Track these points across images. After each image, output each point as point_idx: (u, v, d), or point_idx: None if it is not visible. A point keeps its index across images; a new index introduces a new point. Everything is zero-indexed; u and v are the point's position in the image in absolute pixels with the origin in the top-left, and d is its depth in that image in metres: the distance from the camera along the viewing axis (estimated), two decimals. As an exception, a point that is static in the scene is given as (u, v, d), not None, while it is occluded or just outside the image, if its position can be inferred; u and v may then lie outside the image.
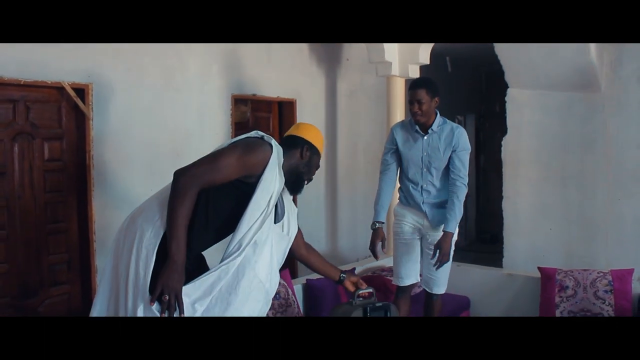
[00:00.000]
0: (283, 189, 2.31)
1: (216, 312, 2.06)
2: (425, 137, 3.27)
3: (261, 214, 2.11)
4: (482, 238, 8.82)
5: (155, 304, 1.95)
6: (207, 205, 2.09)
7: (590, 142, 4.90)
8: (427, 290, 3.46)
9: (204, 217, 2.10)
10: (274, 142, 2.18)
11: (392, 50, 5.00)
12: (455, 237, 3.36)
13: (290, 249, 2.45)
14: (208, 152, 2.18)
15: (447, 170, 3.30)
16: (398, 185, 3.53)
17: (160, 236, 2.03)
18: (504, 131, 5.35)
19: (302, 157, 2.35)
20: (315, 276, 4.07)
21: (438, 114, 3.28)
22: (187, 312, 1.98)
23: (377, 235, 3.37)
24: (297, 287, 3.85)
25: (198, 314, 2.03)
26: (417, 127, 3.29)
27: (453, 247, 3.31)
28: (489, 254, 6.74)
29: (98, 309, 2.17)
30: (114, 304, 2.12)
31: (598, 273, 3.77)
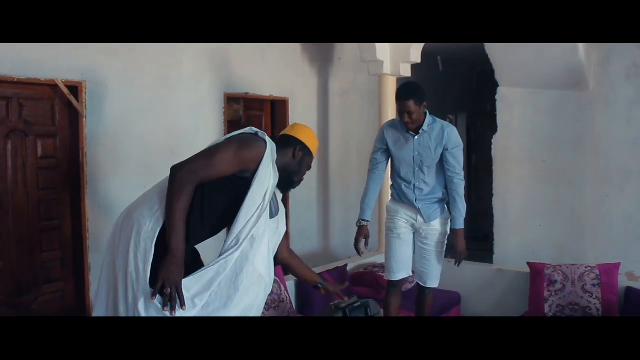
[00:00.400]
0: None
1: (216, 306, 2.08)
2: (417, 137, 3.31)
3: (257, 209, 2.14)
4: (475, 236, 8.86)
5: (156, 297, 1.98)
6: (203, 200, 2.13)
7: (579, 139, 4.98)
8: (421, 284, 3.51)
9: (200, 212, 2.13)
10: (267, 138, 2.22)
11: (383, 49, 5.05)
12: (447, 231, 3.42)
13: None
14: (201, 150, 2.21)
15: (439, 167, 3.35)
16: (390, 182, 3.58)
17: (159, 229, 2.06)
18: (495, 130, 5.41)
19: (295, 156, 2.37)
20: (307, 272, 4.10)
21: (427, 114, 3.32)
22: (187, 306, 2.01)
23: (361, 232, 3.45)
24: (290, 284, 3.88)
25: (198, 309, 2.05)
26: None
27: (445, 242, 3.40)
28: (481, 252, 6.79)
29: (98, 306, 2.19)
30: (113, 299, 2.14)
31: (586, 267, 3.83)
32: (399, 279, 3.45)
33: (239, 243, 2.10)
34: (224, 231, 2.29)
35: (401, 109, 3.22)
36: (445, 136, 3.27)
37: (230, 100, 4.84)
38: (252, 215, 2.13)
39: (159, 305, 1.98)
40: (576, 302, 3.72)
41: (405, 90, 3.22)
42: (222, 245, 2.14)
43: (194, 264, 2.17)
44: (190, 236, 2.10)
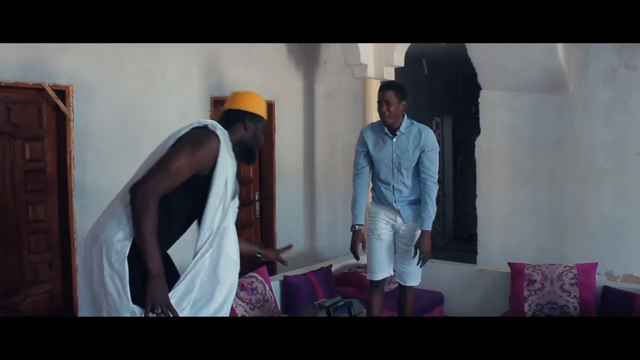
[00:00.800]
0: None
1: (203, 303, 2.14)
2: (394, 139, 3.39)
3: (221, 202, 2.16)
4: (460, 237, 8.96)
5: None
6: (167, 206, 2.13)
7: (559, 142, 5.07)
8: (401, 283, 3.58)
9: (168, 218, 2.15)
10: (218, 129, 2.19)
11: (367, 53, 5.12)
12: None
13: None
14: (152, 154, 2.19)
15: (417, 170, 3.42)
16: (371, 185, 3.66)
17: (128, 246, 2.05)
18: (479, 132, 5.49)
19: (246, 129, 2.34)
20: (292, 273, 4.18)
21: (405, 116, 3.41)
22: (179, 313, 2.06)
23: (357, 237, 3.49)
24: (275, 284, 3.94)
25: (187, 310, 2.10)
26: (386, 130, 3.41)
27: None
28: (465, 253, 6.88)
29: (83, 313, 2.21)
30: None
31: (564, 267, 3.92)
32: (380, 278, 3.52)
33: (212, 238, 2.14)
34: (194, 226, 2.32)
35: (381, 99, 3.32)
36: (422, 138, 3.36)
37: (217, 102, 4.90)
38: (218, 209, 2.15)
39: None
40: (554, 301, 3.81)
41: (388, 83, 3.45)
42: (196, 243, 2.16)
43: (169, 269, 2.19)
44: (162, 243, 2.12)
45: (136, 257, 2.04)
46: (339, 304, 3.29)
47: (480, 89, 5.41)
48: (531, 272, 3.96)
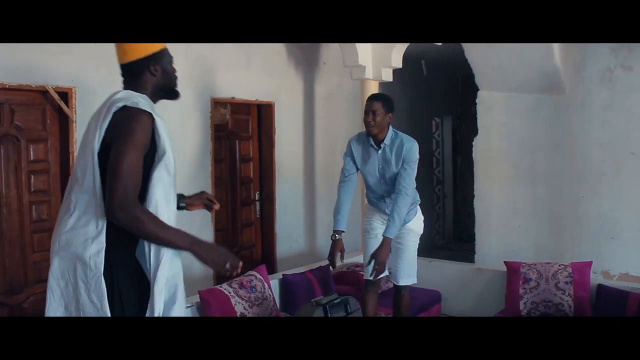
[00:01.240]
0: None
1: (177, 283, 2.07)
2: (379, 151, 3.46)
3: (172, 192, 2.08)
4: (459, 237, 9.01)
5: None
6: (146, 199, 2.00)
7: (556, 142, 5.12)
8: (394, 282, 3.64)
9: (155, 209, 2.01)
10: (141, 101, 2.04)
11: (365, 54, 5.17)
12: (420, 231, 3.57)
13: None
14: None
15: None
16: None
17: (102, 260, 1.94)
18: (478, 132, 5.55)
19: (154, 74, 2.19)
20: (290, 271, 4.24)
21: (391, 129, 3.47)
22: (158, 308, 1.97)
23: (336, 246, 3.47)
24: (274, 282, 4.01)
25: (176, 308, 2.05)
26: (372, 141, 3.47)
27: (418, 242, 3.53)
28: (465, 252, 6.91)
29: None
30: None
31: (559, 266, 3.98)
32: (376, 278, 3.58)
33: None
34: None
35: (368, 109, 3.40)
36: (404, 150, 3.39)
37: (217, 104, 4.96)
38: (170, 201, 2.06)
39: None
40: (549, 299, 3.87)
41: (377, 94, 3.56)
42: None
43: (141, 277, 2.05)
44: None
45: (115, 266, 1.97)
46: (336, 302, 3.35)
47: (479, 89, 5.46)
48: (527, 270, 4.02)
